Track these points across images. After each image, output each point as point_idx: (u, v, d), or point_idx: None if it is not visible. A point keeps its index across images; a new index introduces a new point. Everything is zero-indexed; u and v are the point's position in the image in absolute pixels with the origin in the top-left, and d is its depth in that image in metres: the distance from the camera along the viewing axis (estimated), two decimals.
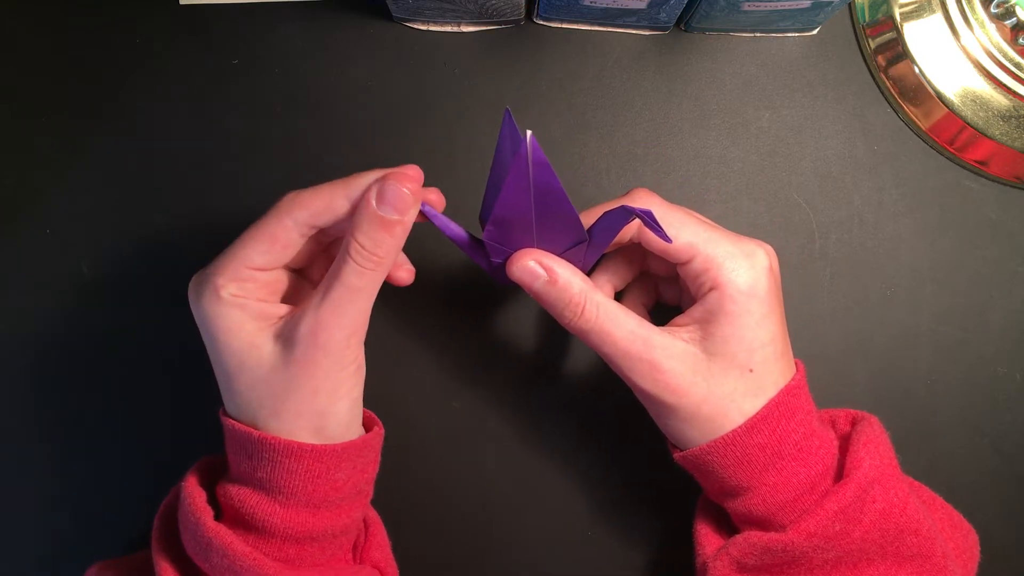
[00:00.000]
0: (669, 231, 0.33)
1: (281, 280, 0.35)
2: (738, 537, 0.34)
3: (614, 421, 0.43)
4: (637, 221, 0.35)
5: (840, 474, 0.35)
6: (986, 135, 0.44)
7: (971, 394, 0.44)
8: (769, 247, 0.35)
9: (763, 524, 0.34)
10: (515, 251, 0.35)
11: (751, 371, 0.34)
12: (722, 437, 0.34)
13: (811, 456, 0.34)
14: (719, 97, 0.45)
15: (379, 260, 0.32)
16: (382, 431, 0.37)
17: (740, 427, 0.34)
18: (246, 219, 0.44)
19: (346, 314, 0.32)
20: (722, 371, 0.34)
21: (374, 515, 0.39)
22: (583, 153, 0.44)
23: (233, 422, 0.34)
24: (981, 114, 0.44)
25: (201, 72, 0.45)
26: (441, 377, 0.43)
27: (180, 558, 0.34)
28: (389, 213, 0.31)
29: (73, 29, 0.45)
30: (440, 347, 0.43)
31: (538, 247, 0.34)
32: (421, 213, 0.34)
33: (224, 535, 0.32)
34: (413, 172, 0.33)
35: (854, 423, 0.37)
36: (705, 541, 0.36)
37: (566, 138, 0.45)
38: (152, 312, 0.43)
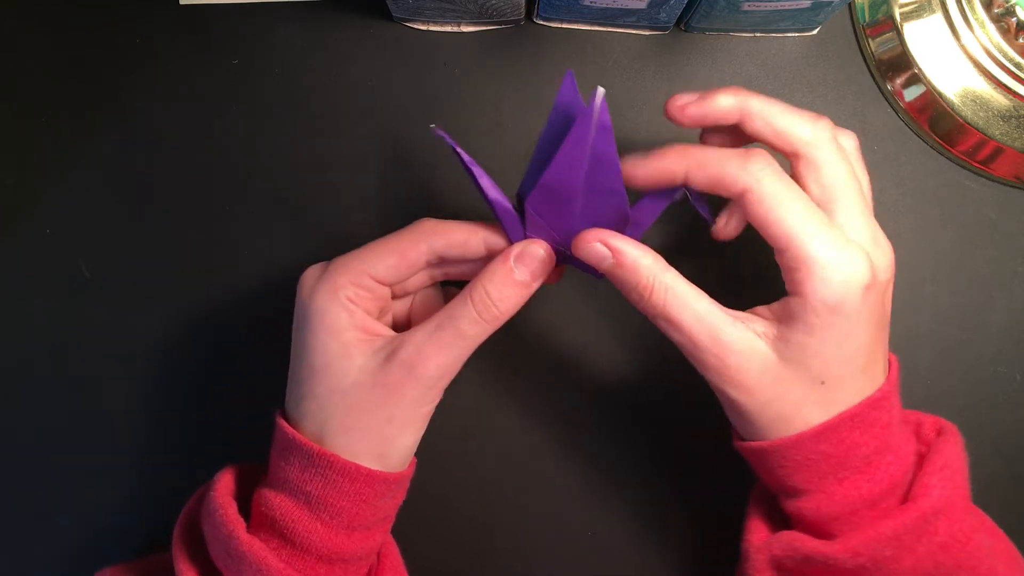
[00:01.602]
0: (776, 210, 0.30)
1: (386, 301, 0.35)
2: (784, 535, 0.33)
3: (616, 421, 0.43)
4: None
5: (906, 495, 0.32)
6: (986, 135, 0.44)
7: (971, 394, 0.44)
8: (885, 254, 0.32)
9: (813, 529, 0.33)
10: (551, 224, 0.33)
11: (823, 383, 0.31)
12: (787, 439, 0.32)
13: (879, 472, 0.32)
14: None
15: (497, 315, 0.32)
16: (415, 462, 0.37)
17: (808, 432, 0.32)
18: (246, 219, 0.44)
19: (448, 356, 0.32)
20: (792, 377, 0.31)
21: (389, 539, 0.38)
22: None
23: (293, 431, 0.33)
24: (981, 114, 0.44)
25: (201, 72, 0.45)
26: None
27: (203, 564, 0.34)
28: (522, 275, 0.33)
29: (73, 29, 0.45)
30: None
31: (578, 221, 0.33)
32: (468, 170, 0.33)
33: (259, 550, 0.31)
34: (545, 248, 0.33)
35: (940, 433, 0.35)
36: (753, 527, 0.35)
37: None
38: (152, 312, 0.43)
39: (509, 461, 0.43)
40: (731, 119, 0.33)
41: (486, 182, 0.33)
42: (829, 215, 0.31)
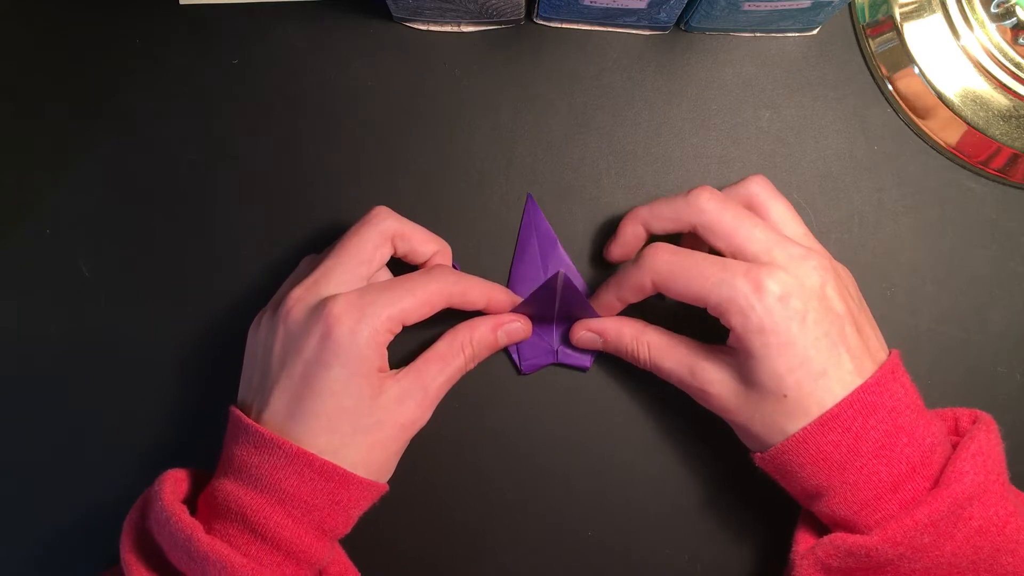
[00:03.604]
0: (678, 282, 0.36)
1: None
2: (825, 538, 0.34)
3: (614, 421, 0.43)
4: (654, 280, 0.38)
5: (937, 481, 0.34)
6: (986, 135, 0.44)
7: (971, 394, 0.44)
8: (806, 264, 0.35)
9: (849, 526, 0.34)
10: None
11: (785, 396, 0.34)
12: (796, 435, 0.34)
13: (895, 454, 0.34)
14: (719, 97, 0.45)
15: (477, 360, 0.40)
16: None
17: (813, 423, 0.34)
18: (246, 219, 0.44)
19: (442, 395, 0.38)
20: (759, 396, 0.35)
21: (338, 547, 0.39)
22: (583, 153, 0.44)
23: (302, 449, 0.34)
24: (981, 114, 0.44)
25: (201, 72, 0.45)
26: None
27: (160, 572, 0.34)
28: (504, 343, 0.40)
29: (73, 29, 0.45)
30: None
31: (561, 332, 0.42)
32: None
33: (220, 549, 0.32)
34: (527, 325, 0.41)
35: (974, 423, 0.36)
36: (801, 538, 0.36)
37: (566, 138, 0.45)
38: (152, 312, 0.43)
39: (508, 460, 0.43)
40: (642, 236, 0.40)
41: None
42: (741, 254, 0.35)
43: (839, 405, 0.34)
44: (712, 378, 0.36)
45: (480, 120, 0.45)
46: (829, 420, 0.34)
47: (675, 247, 0.37)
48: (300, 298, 0.36)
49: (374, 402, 0.35)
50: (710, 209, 0.36)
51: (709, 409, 0.38)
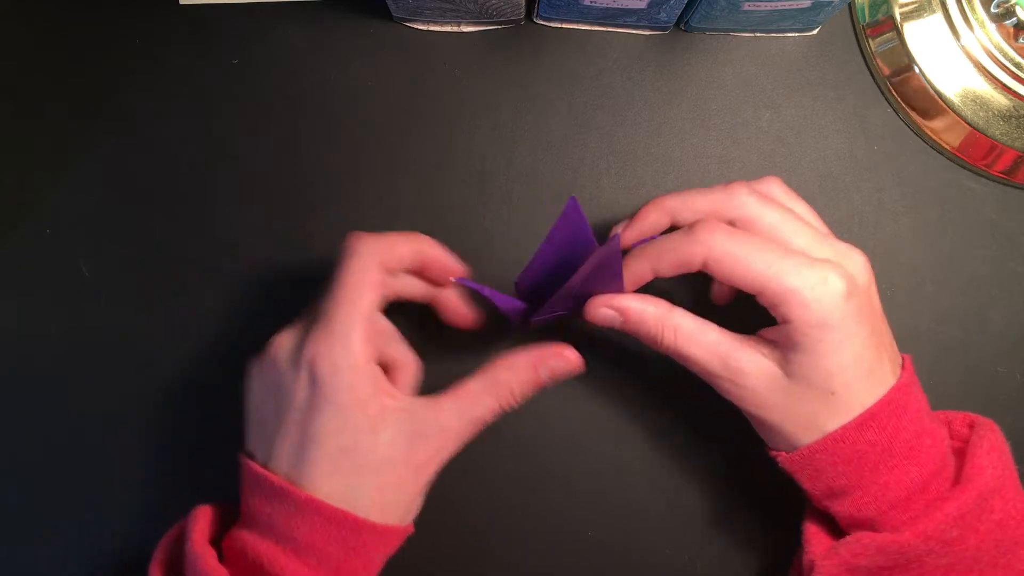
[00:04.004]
0: (737, 265, 0.33)
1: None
2: (850, 537, 0.34)
3: (615, 421, 0.43)
4: (704, 251, 0.34)
5: (958, 478, 0.34)
6: (986, 135, 0.44)
7: (971, 394, 0.44)
8: (855, 260, 0.35)
9: (872, 525, 0.34)
10: (548, 294, 0.37)
11: (832, 394, 0.33)
12: (833, 433, 0.33)
13: (922, 455, 0.34)
14: (719, 97, 0.45)
15: (514, 405, 0.36)
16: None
17: (852, 422, 0.33)
18: (246, 219, 0.44)
19: (468, 437, 0.36)
20: (802, 392, 0.34)
21: None
22: (583, 153, 0.44)
23: (310, 496, 0.33)
24: (981, 114, 0.44)
25: (201, 72, 0.45)
26: (440, 379, 0.43)
27: None
28: (547, 378, 0.36)
29: (73, 29, 0.45)
30: (439, 348, 0.43)
31: (575, 288, 0.36)
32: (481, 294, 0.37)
33: None
34: (574, 357, 0.36)
35: (972, 427, 0.37)
36: (815, 540, 0.36)
37: (566, 138, 0.45)
38: (152, 312, 0.43)
39: (508, 460, 0.43)
40: (663, 225, 0.37)
41: (500, 299, 0.37)
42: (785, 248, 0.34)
43: (878, 404, 0.33)
44: (748, 371, 0.34)
45: (480, 120, 0.45)
46: (869, 419, 0.33)
47: (731, 227, 0.34)
48: (281, 345, 0.35)
49: (375, 437, 0.34)
50: (751, 203, 0.35)
51: (734, 403, 0.35)
